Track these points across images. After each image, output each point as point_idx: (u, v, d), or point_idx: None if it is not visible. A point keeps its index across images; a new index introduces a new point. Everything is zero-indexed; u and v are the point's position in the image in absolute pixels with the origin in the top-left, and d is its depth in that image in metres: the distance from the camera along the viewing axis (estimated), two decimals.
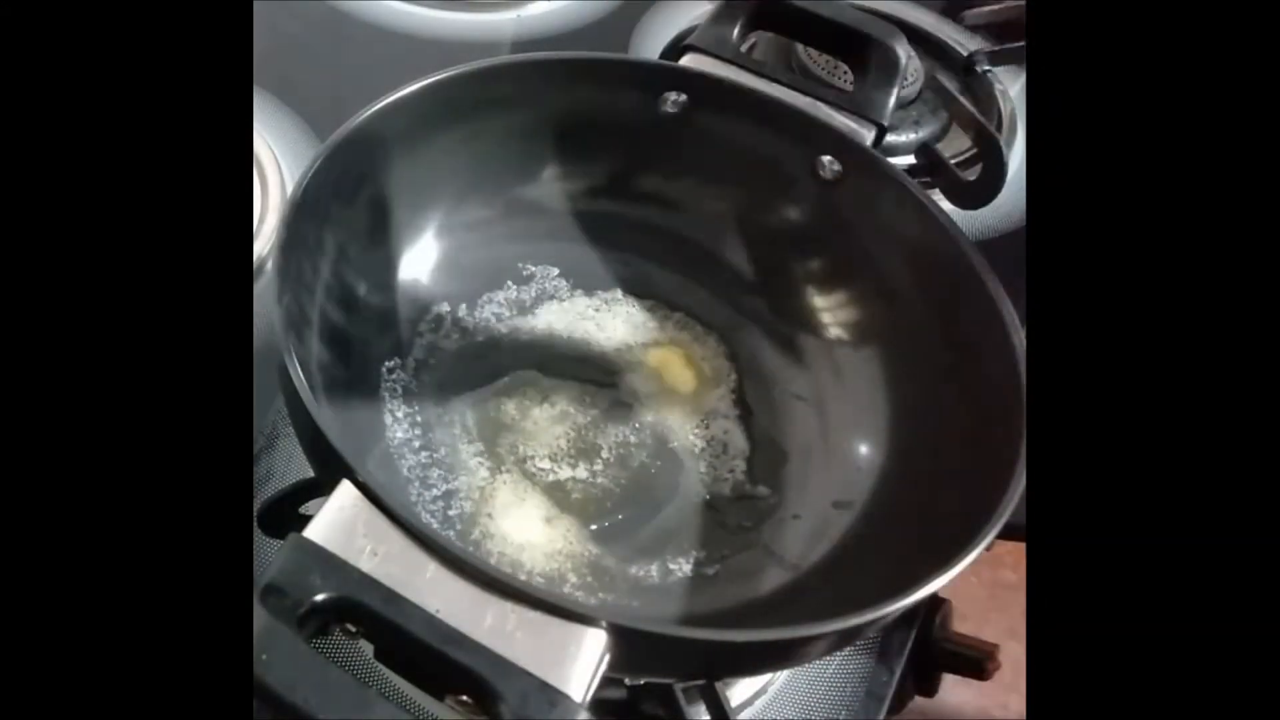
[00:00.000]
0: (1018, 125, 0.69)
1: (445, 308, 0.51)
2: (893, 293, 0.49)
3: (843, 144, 0.50)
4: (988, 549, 0.37)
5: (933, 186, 0.60)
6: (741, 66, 0.52)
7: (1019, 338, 0.42)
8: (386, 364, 0.48)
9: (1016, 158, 0.66)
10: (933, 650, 0.50)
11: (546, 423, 0.48)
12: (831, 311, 0.52)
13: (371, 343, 0.48)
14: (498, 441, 0.47)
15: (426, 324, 0.51)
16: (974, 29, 0.76)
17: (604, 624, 0.33)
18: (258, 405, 0.52)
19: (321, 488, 0.35)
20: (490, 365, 0.50)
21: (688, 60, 0.52)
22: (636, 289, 0.53)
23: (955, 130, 0.66)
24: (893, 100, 0.51)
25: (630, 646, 0.33)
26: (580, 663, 0.32)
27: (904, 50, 0.53)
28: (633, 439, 0.48)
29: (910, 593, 0.36)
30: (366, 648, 0.43)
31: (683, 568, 0.45)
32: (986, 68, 0.70)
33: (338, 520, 0.33)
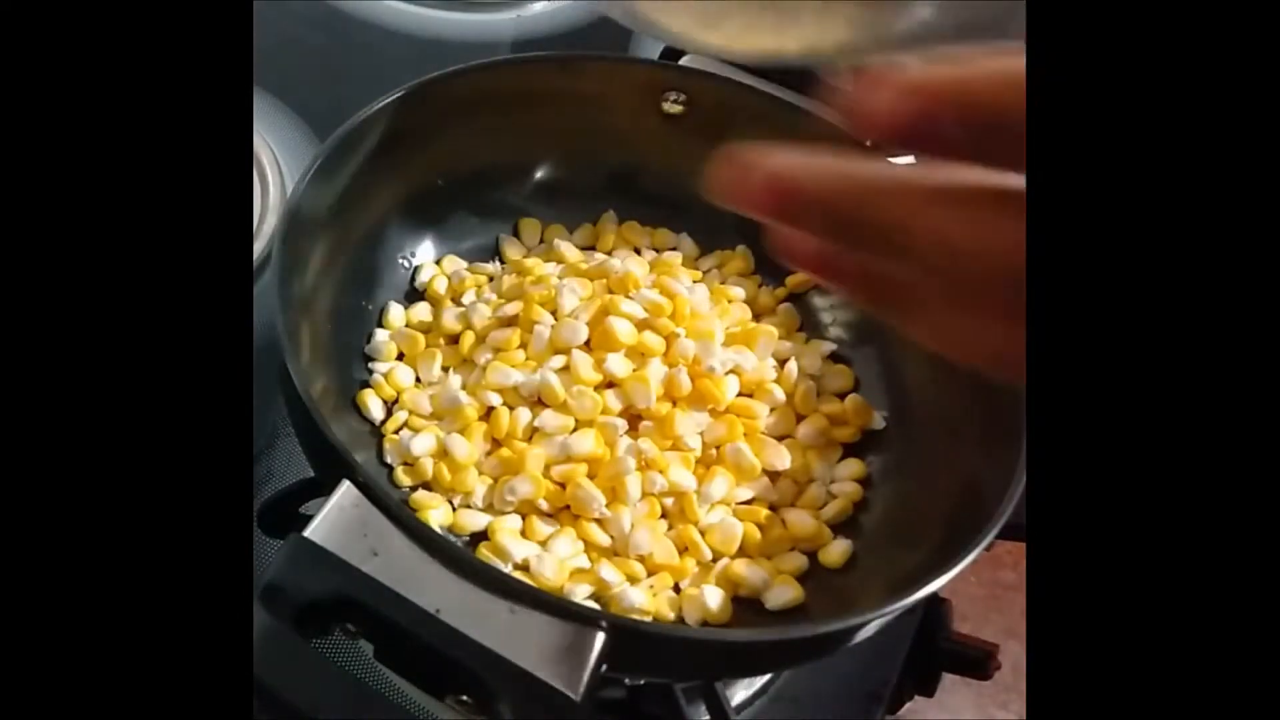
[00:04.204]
0: None
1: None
2: None
3: (842, 143, 0.50)
4: (988, 549, 0.37)
5: None
6: (741, 66, 0.52)
7: None
8: None
9: None
10: (933, 650, 0.50)
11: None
12: (831, 311, 0.52)
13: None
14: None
15: None
16: None
17: (604, 624, 0.33)
18: (258, 405, 0.51)
19: (321, 488, 0.35)
20: None
21: (688, 60, 0.52)
22: None
23: None
24: None
25: (630, 646, 0.33)
26: (580, 663, 0.32)
27: None
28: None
29: (910, 593, 0.36)
30: (366, 648, 0.44)
31: None
32: None
33: (338, 520, 0.33)
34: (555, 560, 0.41)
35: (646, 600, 0.41)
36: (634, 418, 0.45)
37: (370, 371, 0.47)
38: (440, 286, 0.49)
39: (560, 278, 0.49)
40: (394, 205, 0.49)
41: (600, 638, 0.32)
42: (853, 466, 0.46)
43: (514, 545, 0.42)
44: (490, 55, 0.51)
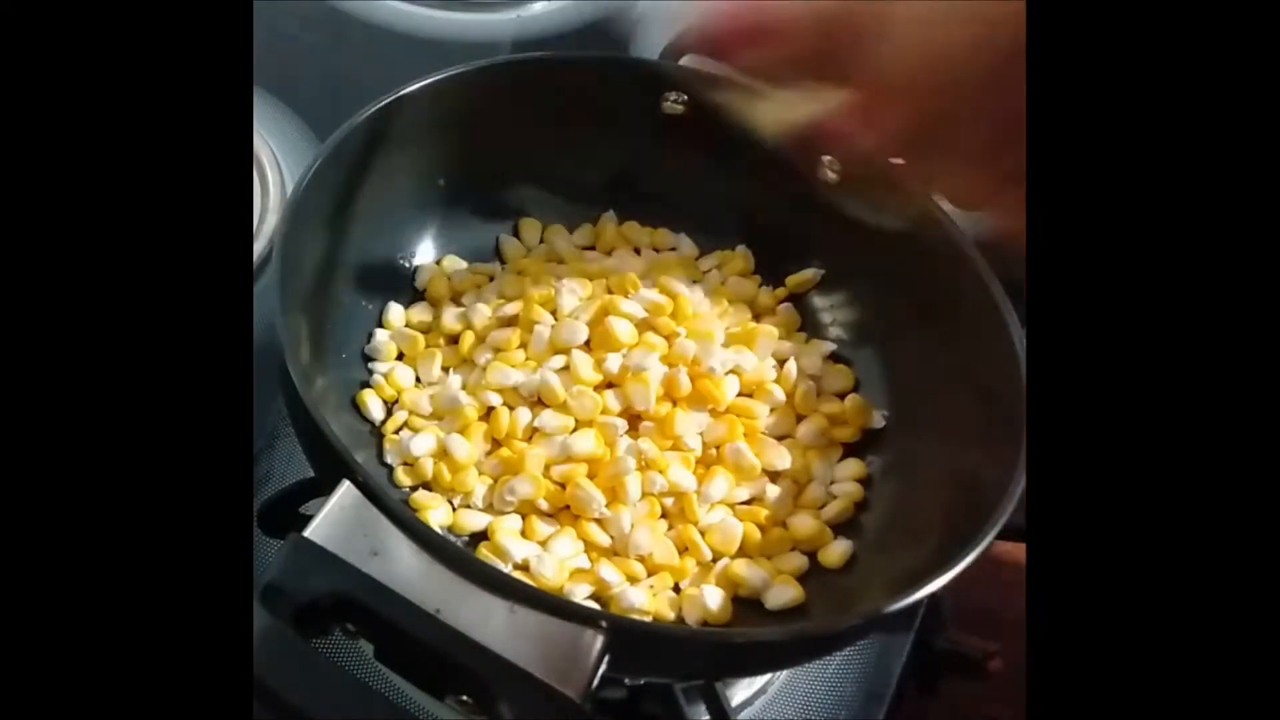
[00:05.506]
0: None
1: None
2: (893, 293, 0.49)
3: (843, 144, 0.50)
4: (988, 549, 0.37)
5: None
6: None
7: (1019, 338, 0.42)
8: None
9: None
10: (932, 650, 0.50)
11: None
12: (831, 311, 0.52)
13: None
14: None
15: None
16: None
17: (604, 624, 0.33)
18: (258, 405, 0.51)
19: (321, 488, 0.35)
20: None
21: (688, 60, 0.52)
22: None
23: None
24: None
25: (630, 646, 0.33)
26: (580, 663, 0.32)
27: None
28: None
29: (910, 593, 0.36)
30: (366, 648, 0.44)
31: None
32: None
33: (338, 520, 0.33)
34: (555, 560, 0.41)
35: (646, 600, 0.41)
36: (634, 418, 0.45)
37: (370, 371, 0.47)
38: (440, 286, 0.49)
39: (560, 278, 0.49)
40: (394, 205, 0.49)
41: (600, 638, 0.32)
42: (853, 466, 0.46)
43: (514, 545, 0.42)
44: (490, 55, 0.50)
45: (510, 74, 0.50)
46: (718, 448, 0.45)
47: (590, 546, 0.43)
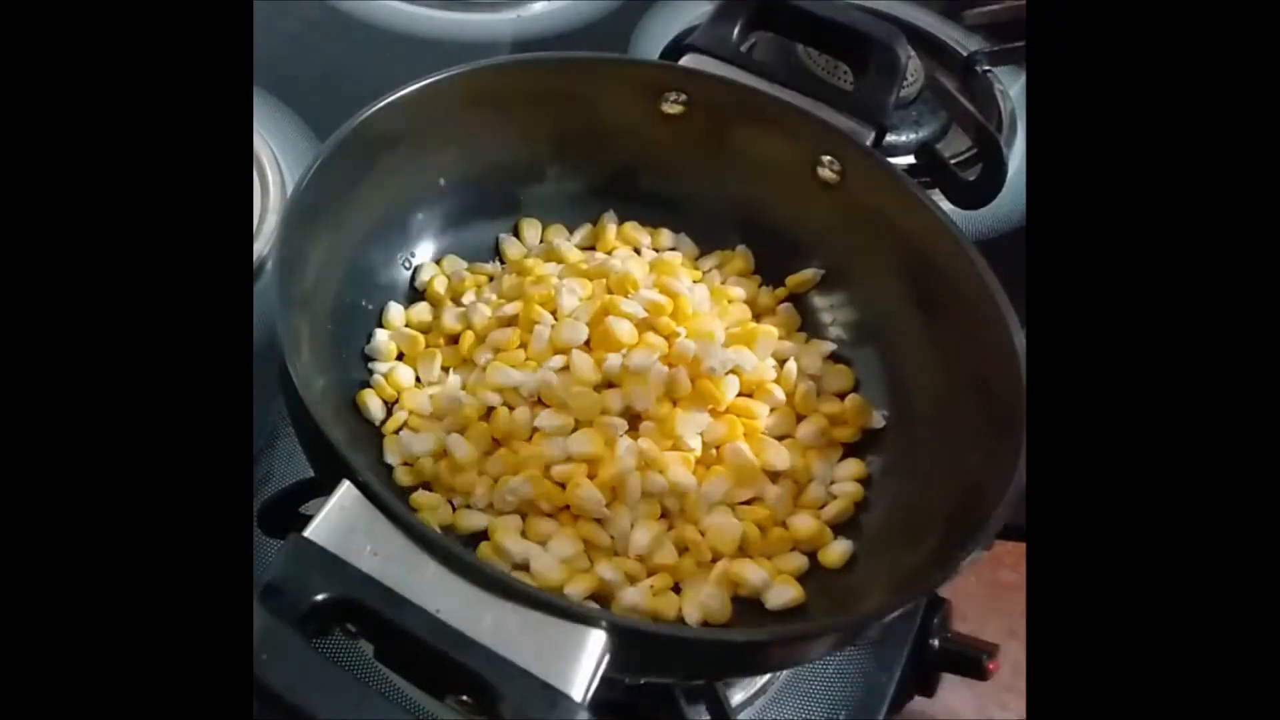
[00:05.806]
0: (1018, 125, 0.69)
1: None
2: (892, 293, 0.49)
3: (843, 144, 0.50)
4: (987, 549, 0.37)
5: (933, 186, 0.60)
6: (741, 66, 0.52)
7: (1019, 338, 0.42)
8: None
9: (1016, 158, 0.66)
10: (932, 650, 0.50)
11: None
12: (831, 311, 0.52)
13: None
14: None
15: None
16: (974, 29, 0.76)
17: (604, 624, 0.33)
18: (258, 405, 0.51)
19: (321, 488, 0.35)
20: None
21: (688, 60, 0.52)
22: None
23: (955, 130, 0.66)
24: (893, 100, 0.51)
25: (630, 646, 0.33)
26: (580, 663, 0.32)
27: (904, 50, 0.53)
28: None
29: (910, 593, 0.36)
30: (366, 648, 0.44)
31: None
32: (986, 68, 0.70)
33: (338, 520, 0.33)
34: (555, 560, 0.41)
35: (646, 600, 0.41)
36: (634, 418, 0.45)
37: (370, 371, 0.47)
38: (440, 286, 0.49)
39: (560, 278, 0.49)
40: (394, 205, 0.49)
41: (600, 638, 0.32)
42: (853, 466, 0.46)
43: (514, 545, 0.42)
44: (490, 55, 0.50)
45: (510, 74, 0.50)
46: (718, 448, 0.45)
47: (590, 546, 0.43)
